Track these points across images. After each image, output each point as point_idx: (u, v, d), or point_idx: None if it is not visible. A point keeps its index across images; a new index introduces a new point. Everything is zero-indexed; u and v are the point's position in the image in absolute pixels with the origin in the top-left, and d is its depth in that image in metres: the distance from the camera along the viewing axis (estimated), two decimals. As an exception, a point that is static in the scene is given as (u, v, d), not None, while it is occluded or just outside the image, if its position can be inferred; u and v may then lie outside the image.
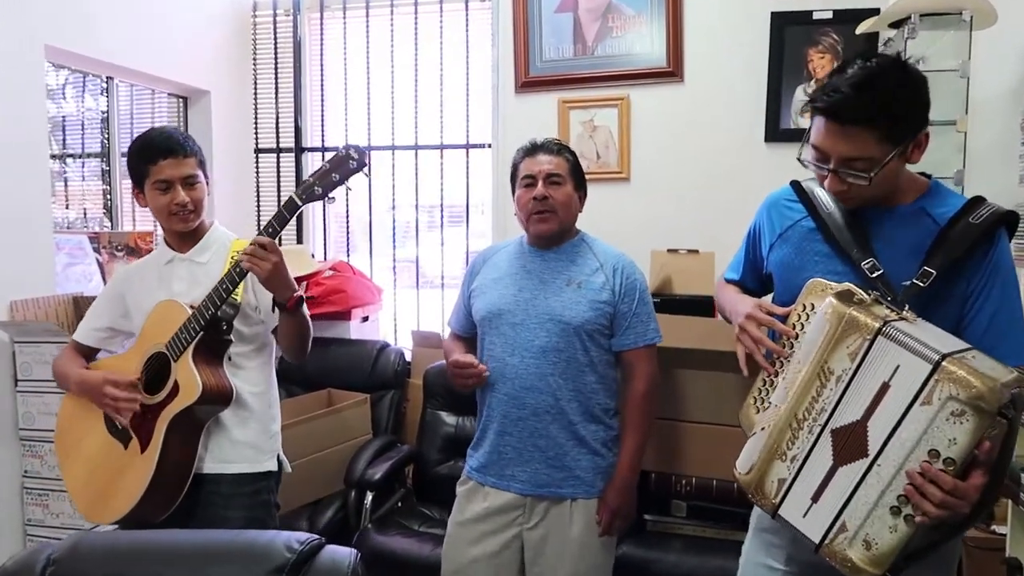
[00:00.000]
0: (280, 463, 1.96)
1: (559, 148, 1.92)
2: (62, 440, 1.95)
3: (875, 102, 1.25)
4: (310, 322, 1.89)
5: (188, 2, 3.34)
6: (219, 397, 1.79)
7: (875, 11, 2.73)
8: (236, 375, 1.85)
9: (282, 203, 1.72)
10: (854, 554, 1.20)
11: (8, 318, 2.48)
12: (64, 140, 3.47)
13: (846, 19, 2.94)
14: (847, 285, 1.30)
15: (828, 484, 1.24)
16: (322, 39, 3.74)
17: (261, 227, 1.77)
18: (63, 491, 2.44)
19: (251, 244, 1.70)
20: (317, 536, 1.14)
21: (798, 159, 1.36)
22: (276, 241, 1.72)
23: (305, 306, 1.88)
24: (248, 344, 1.89)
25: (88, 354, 1.98)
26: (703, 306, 2.58)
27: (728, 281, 1.67)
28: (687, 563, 2.34)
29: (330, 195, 1.71)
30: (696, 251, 2.92)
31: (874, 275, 1.33)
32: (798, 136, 2.92)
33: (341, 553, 1.12)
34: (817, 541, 1.24)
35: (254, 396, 1.89)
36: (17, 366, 2.52)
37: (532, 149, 1.92)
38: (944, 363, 1.12)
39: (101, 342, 1.99)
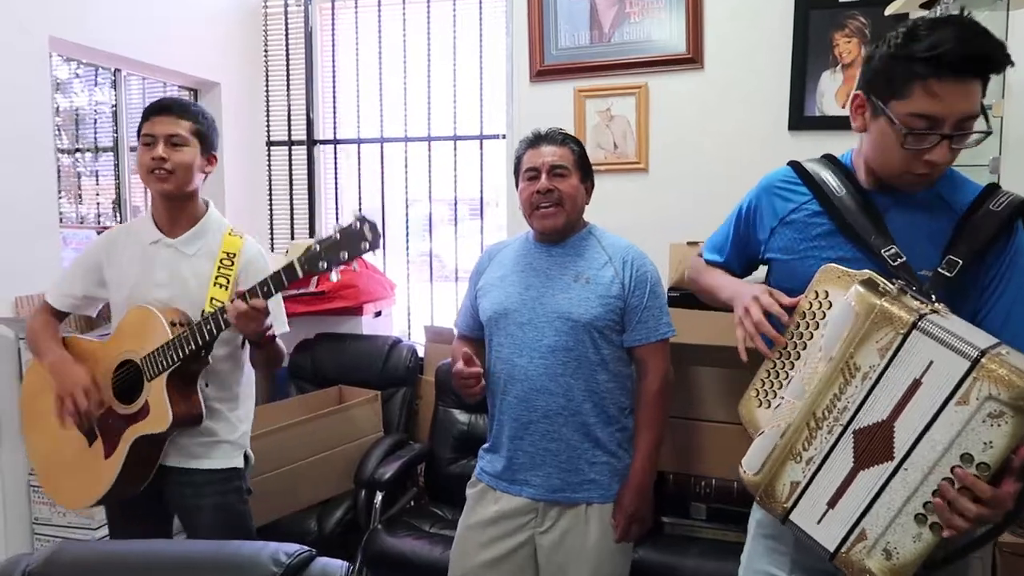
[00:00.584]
0: (247, 457, 1.94)
1: (564, 138, 1.84)
2: (29, 405, 1.94)
3: (994, 47, 1.16)
4: (281, 351, 1.88)
5: (196, -9, 3.30)
6: (188, 422, 1.77)
7: (904, -9, 2.61)
8: (206, 377, 1.81)
9: (283, 266, 1.64)
10: (873, 564, 1.11)
11: (13, 314, 2.45)
12: (77, 134, 3.44)
13: (873, 2, 2.82)
14: (868, 273, 1.21)
15: (847, 489, 1.15)
16: (334, 29, 3.68)
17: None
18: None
19: (243, 302, 1.62)
20: (307, 548, 1.07)
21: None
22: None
23: (284, 325, 1.90)
24: (223, 347, 1.84)
25: (60, 317, 1.96)
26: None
27: (709, 263, 1.60)
28: (707, 568, 2.25)
29: (334, 270, 1.62)
30: (716, 244, 2.82)
31: (896, 263, 1.25)
32: (823, 124, 2.89)
33: (333, 565, 1.06)
34: (832, 550, 1.16)
35: (222, 402, 1.87)
36: (22, 363, 2.49)
37: (535, 140, 1.84)
38: (984, 360, 1.03)
39: (74, 308, 1.96)
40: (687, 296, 2.59)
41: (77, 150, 3.40)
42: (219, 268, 1.79)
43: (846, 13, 2.90)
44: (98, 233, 2.95)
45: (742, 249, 1.54)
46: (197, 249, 1.84)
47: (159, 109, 1.80)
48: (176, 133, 1.78)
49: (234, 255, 1.81)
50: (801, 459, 1.20)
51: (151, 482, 1.81)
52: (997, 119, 2.29)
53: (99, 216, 3.37)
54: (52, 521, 2.51)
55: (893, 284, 1.19)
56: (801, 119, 2.97)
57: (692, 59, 3.06)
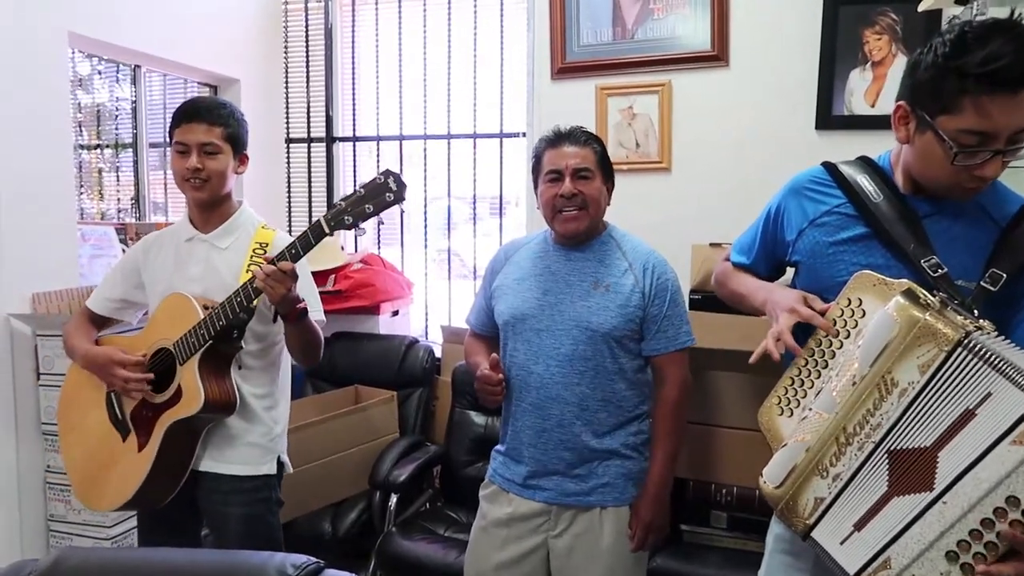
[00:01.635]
0: (281, 464, 1.91)
1: (586, 138, 1.78)
2: (65, 414, 1.95)
3: None
4: (318, 332, 1.83)
5: (217, -12, 3.29)
6: (221, 408, 1.75)
7: (937, -13, 2.53)
8: (240, 375, 1.80)
9: (309, 226, 1.63)
10: None
11: (31, 310, 2.45)
12: (99, 130, 3.44)
13: None
14: (907, 283, 1.15)
15: (878, 513, 1.10)
16: (354, 26, 3.66)
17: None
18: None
19: (271, 265, 1.61)
20: (315, 560, 1.03)
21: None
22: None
23: (320, 312, 1.85)
24: (257, 343, 1.84)
25: (100, 323, 1.96)
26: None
27: (736, 265, 1.55)
28: (727, 578, 2.20)
29: (361, 226, 1.61)
30: (740, 245, 2.77)
31: (936, 274, 1.19)
32: (851, 123, 2.82)
33: (341, 580, 1.01)
34: (852, 573, 1.11)
35: (257, 399, 1.84)
36: (40, 359, 2.49)
37: (556, 139, 1.78)
38: None
39: (114, 312, 1.96)
40: (709, 299, 2.55)
41: (98, 146, 3.41)
42: (251, 257, 1.79)
43: (877, 9, 2.83)
44: (117, 230, 2.95)
45: (770, 251, 1.49)
46: (230, 243, 1.85)
47: (191, 115, 1.78)
48: (209, 142, 1.77)
49: (266, 245, 1.82)
50: (828, 475, 1.15)
51: (183, 490, 1.79)
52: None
53: (119, 212, 3.38)
54: (67, 518, 2.51)
55: (934, 296, 1.14)
56: (829, 118, 2.90)
57: (717, 56, 3.00)
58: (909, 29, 2.78)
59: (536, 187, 1.82)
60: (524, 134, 3.34)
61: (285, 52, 3.71)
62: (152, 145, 3.29)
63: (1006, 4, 2.27)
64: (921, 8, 2.50)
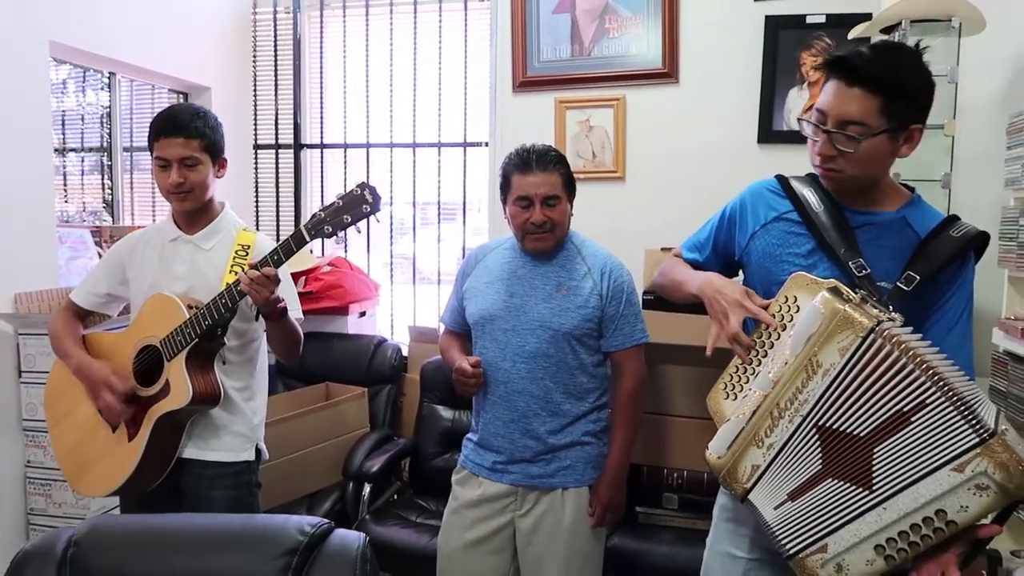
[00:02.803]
0: (259, 452, 2.03)
1: (555, 162, 1.90)
2: (52, 405, 2.03)
3: (886, 69, 1.33)
4: (297, 329, 1.95)
5: (190, -1, 3.38)
6: (208, 400, 1.86)
7: (867, 16, 2.78)
8: (222, 370, 1.91)
9: (291, 235, 1.75)
10: (824, 574, 1.24)
11: (12, 310, 2.52)
12: (64, 135, 3.49)
13: (839, 23, 2.99)
14: (833, 281, 1.33)
15: (811, 490, 1.26)
16: (322, 37, 3.78)
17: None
18: (65, 481, 2.50)
19: (254, 269, 1.72)
20: (327, 520, 1.18)
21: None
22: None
23: (296, 313, 1.96)
24: (238, 340, 1.94)
25: (83, 315, 2.05)
26: (695, 304, 2.62)
27: (688, 261, 1.68)
28: (680, 555, 2.39)
29: (339, 234, 1.73)
30: (689, 250, 2.97)
31: (861, 275, 1.38)
32: (791, 138, 3.07)
33: (350, 537, 1.17)
34: (791, 552, 1.28)
35: (237, 391, 1.96)
36: (21, 358, 2.56)
37: (526, 164, 1.89)
38: (991, 440, 1.12)
39: (98, 306, 2.05)
40: (661, 299, 2.74)
41: (66, 149, 3.46)
42: (234, 258, 1.88)
43: (813, 34, 3.08)
44: (92, 232, 3.02)
45: (722, 250, 1.64)
46: (214, 244, 1.94)
47: (168, 129, 1.86)
48: (188, 155, 1.85)
49: (248, 247, 1.91)
50: (763, 445, 1.33)
51: (168, 476, 1.89)
52: (949, 138, 2.47)
53: (87, 215, 3.43)
54: (48, 511, 2.58)
55: (856, 293, 1.32)
56: (770, 133, 3.14)
57: (668, 74, 3.21)
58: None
59: (504, 204, 1.95)
60: (487, 144, 3.50)
61: (254, 60, 3.81)
62: (126, 149, 3.36)
63: (927, 34, 2.54)
64: (851, 35, 2.75)
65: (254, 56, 3.80)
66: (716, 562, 1.60)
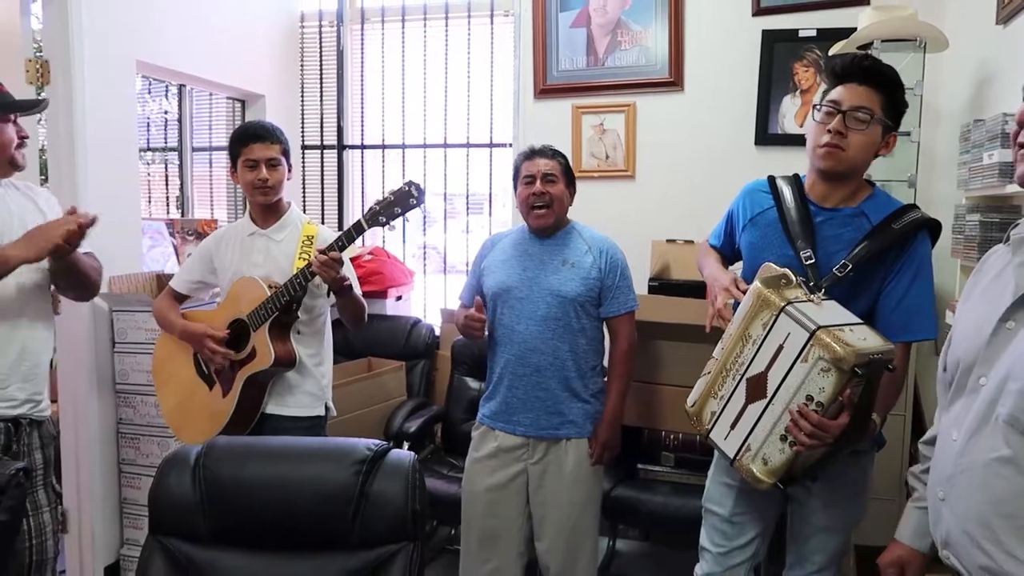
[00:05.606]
0: (327, 408, 2.40)
1: (553, 152, 2.29)
2: (158, 371, 2.45)
3: (886, 76, 1.69)
4: (362, 301, 2.35)
5: (246, 16, 3.79)
6: (286, 363, 2.25)
7: (854, 30, 3.09)
8: (296, 339, 2.30)
9: (351, 224, 2.14)
10: (755, 467, 1.60)
11: (107, 290, 2.95)
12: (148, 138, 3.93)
13: (828, 37, 3.28)
14: (785, 270, 1.65)
15: (741, 417, 1.64)
16: (363, 47, 4.17)
17: (327, 227, 2.19)
18: (151, 435, 2.96)
19: (323, 254, 2.10)
20: (386, 442, 1.59)
21: (813, 106, 1.77)
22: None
23: (357, 289, 2.33)
24: (307, 314, 2.33)
25: (180, 299, 2.45)
26: (697, 289, 2.96)
27: (712, 246, 2.05)
28: (672, 503, 2.77)
29: (391, 224, 2.12)
30: (692, 242, 3.30)
31: (807, 263, 1.70)
32: (784, 141, 3.43)
33: (404, 454, 1.57)
34: (732, 457, 1.65)
35: (308, 357, 2.34)
36: (115, 331, 2.99)
37: (531, 153, 2.29)
38: (818, 332, 1.47)
39: (192, 291, 2.47)
40: (664, 285, 3.11)
41: (145, 151, 3.91)
42: (302, 247, 2.27)
43: (805, 46, 3.39)
44: (167, 224, 3.46)
45: (729, 239, 2.01)
46: (284, 236, 2.34)
47: (256, 136, 2.26)
48: (273, 156, 2.27)
49: (312, 237, 2.30)
50: (717, 396, 1.70)
51: (254, 428, 2.27)
52: (915, 144, 2.80)
53: (149, 209, 3.88)
54: (137, 461, 3.02)
55: (796, 278, 1.64)
56: (766, 136, 3.45)
57: (674, 82, 3.54)
58: (830, 64, 3.34)
59: (515, 189, 2.33)
60: (511, 145, 3.87)
61: (302, 69, 4.20)
62: (195, 149, 3.80)
63: (897, 51, 2.86)
64: (832, 52, 3.08)
65: (302, 65, 4.20)
66: (715, 489, 1.96)
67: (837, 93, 1.71)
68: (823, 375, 1.48)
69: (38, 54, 2.80)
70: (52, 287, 2.07)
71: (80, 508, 2.96)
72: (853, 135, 1.69)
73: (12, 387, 1.93)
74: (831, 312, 1.58)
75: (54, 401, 2.27)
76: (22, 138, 1.95)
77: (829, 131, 1.69)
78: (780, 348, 1.56)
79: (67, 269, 1.97)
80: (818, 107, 1.74)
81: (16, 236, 1.88)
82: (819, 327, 1.48)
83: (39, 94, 2.75)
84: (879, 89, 1.68)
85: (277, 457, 1.56)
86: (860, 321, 1.57)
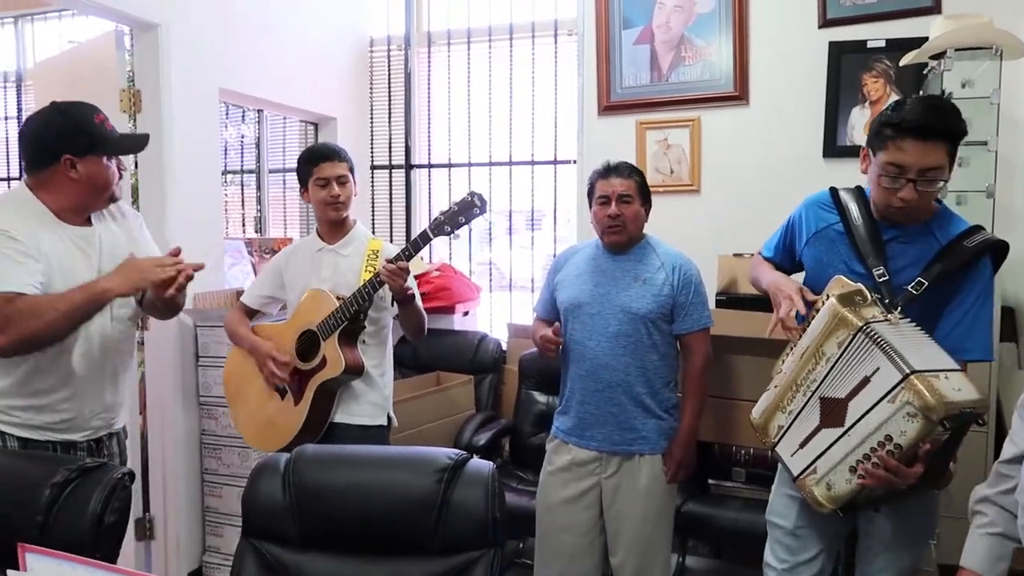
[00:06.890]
0: (389, 418, 2.48)
1: (629, 171, 2.27)
2: (230, 383, 2.54)
3: (947, 121, 1.61)
4: (423, 311, 2.42)
5: (319, 44, 3.94)
6: (355, 371, 2.32)
7: (924, 39, 3.03)
8: (362, 350, 2.37)
9: (418, 234, 2.21)
10: (818, 491, 1.61)
11: (192, 306, 3.09)
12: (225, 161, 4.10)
13: (898, 47, 3.21)
14: (859, 286, 1.65)
15: (812, 438, 1.63)
16: (429, 69, 4.29)
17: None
18: (233, 446, 3.08)
19: (392, 263, 2.18)
20: (466, 452, 1.63)
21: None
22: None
23: (419, 299, 2.40)
24: (372, 326, 2.40)
25: (251, 314, 2.55)
26: (763, 303, 2.95)
27: (765, 258, 2.04)
28: (744, 519, 2.75)
29: (456, 232, 2.18)
30: (759, 255, 3.29)
31: (880, 280, 1.69)
32: (852, 152, 3.38)
33: (484, 464, 1.61)
34: (795, 474, 1.65)
35: (373, 367, 2.41)
36: (199, 345, 3.13)
37: (606, 172, 2.28)
38: (911, 377, 1.44)
39: (262, 306, 2.57)
40: (732, 299, 3.10)
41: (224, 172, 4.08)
42: (368, 261, 2.35)
43: (874, 57, 3.33)
44: (245, 243, 3.61)
45: (788, 251, 1.99)
46: (350, 251, 2.42)
47: (327, 156, 2.37)
48: (342, 174, 2.37)
49: (377, 251, 2.38)
50: (785, 411, 1.71)
51: (322, 438, 2.35)
52: (992, 153, 2.73)
53: (243, 229, 4.05)
54: (218, 471, 3.15)
55: (871, 296, 1.63)
56: (834, 148, 3.40)
57: (739, 96, 3.52)
58: (900, 74, 3.27)
59: (591, 207, 2.34)
60: (575, 161, 3.89)
61: (371, 91, 4.34)
62: (271, 171, 3.96)
63: (972, 59, 2.80)
64: (903, 62, 3.03)
65: (371, 88, 4.34)
66: (779, 501, 1.96)
67: (897, 154, 1.62)
68: (908, 419, 1.45)
69: (130, 84, 2.97)
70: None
71: (166, 516, 3.10)
72: (923, 195, 1.65)
73: (122, 414, 2.04)
74: (914, 341, 1.56)
75: (141, 412, 2.37)
76: (121, 171, 2.01)
77: (898, 197, 1.65)
78: (866, 380, 1.53)
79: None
80: (878, 170, 1.67)
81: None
82: (913, 371, 1.44)
83: (131, 121, 2.92)
84: (946, 140, 1.62)
85: (362, 465, 1.63)
86: (957, 367, 1.52)
